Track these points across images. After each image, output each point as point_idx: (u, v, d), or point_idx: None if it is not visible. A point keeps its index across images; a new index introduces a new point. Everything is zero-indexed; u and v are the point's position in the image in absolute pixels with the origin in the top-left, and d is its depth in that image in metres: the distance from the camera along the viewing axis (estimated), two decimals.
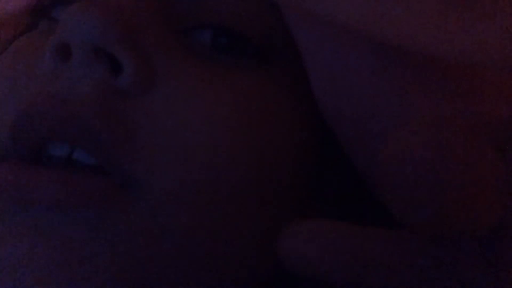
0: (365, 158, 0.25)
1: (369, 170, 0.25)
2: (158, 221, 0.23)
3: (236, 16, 0.25)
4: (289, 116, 0.26)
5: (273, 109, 0.25)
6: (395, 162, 0.18)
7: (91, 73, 0.23)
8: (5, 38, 0.31)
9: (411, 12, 0.21)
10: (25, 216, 0.22)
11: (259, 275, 0.27)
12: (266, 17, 0.25)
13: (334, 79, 0.24)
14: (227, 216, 0.24)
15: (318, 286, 0.25)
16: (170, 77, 0.24)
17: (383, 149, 0.18)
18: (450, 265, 0.19)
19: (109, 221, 0.22)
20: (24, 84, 0.24)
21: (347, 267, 0.19)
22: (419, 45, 0.21)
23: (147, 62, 0.23)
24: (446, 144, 0.18)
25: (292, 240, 0.19)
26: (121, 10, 0.23)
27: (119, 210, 0.23)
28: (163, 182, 0.23)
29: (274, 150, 0.25)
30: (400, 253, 0.20)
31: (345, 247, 0.19)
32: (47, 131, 0.23)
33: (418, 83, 0.23)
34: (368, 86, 0.23)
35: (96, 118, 0.22)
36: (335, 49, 0.23)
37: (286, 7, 0.24)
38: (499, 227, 0.19)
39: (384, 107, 0.23)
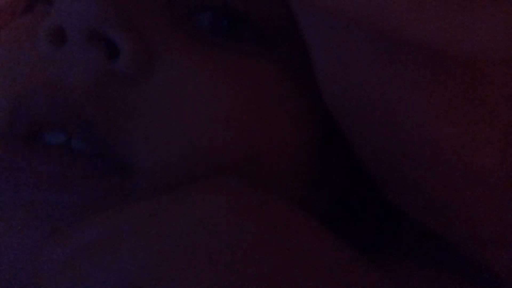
0: (369, 146, 0.25)
1: (374, 157, 0.25)
2: None
3: None
4: (291, 102, 0.25)
5: (273, 94, 0.25)
6: None
7: (86, 57, 0.22)
8: (3, 23, 0.30)
9: (414, 7, 0.21)
10: (18, 196, 0.22)
11: None
12: (270, 0, 0.25)
13: (342, 69, 0.23)
14: None
15: None
16: (169, 61, 0.23)
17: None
18: None
19: (102, 203, 0.22)
20: (21, 68, 0.24)
21: None
22: (423, 38, 0.21)
23: (145, 45, 0.23)
24: None
25: None
26: None
27: (112, 194, 0.22)
28: (159, 166, 0.22)
29: (273, 134, 0.24)
30: None
31: None
32: (42, 118, 0.23)
33: (424, 74, 0.23)
34: (376, 77, 0.23)
35: (90, 104, 0.22)
36: (344, 40, 0.23)
37: None
38: None
39: (391, 96, 0.23)
